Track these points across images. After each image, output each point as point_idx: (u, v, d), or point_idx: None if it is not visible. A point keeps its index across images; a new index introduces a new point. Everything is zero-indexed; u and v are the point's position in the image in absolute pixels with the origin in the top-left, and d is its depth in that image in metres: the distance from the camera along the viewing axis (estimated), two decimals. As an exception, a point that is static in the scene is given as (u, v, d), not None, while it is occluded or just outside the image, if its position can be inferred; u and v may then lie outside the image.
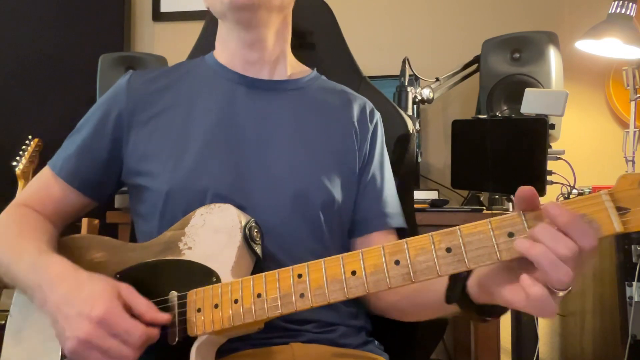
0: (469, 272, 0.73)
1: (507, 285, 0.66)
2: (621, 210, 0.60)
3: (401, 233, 1.03)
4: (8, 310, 0.95)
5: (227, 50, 1.02)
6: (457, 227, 0.66)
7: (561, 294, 0.61)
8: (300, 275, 0.73)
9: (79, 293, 0.77)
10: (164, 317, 0.78)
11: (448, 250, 0.66)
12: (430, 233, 0.67)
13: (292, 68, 1.05)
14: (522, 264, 0.63)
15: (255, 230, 0.84)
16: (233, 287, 0.77)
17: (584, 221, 0.61)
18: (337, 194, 0.96)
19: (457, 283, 0.75)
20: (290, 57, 1.06)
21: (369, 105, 1.07)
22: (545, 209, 0.62)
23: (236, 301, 0.76)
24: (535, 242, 0.61)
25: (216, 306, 0.77)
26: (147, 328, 0.76)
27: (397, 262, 0.68)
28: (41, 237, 0.90)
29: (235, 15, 0.95)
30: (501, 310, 0.74)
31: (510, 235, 0.64)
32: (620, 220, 0.60)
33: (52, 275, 0.81)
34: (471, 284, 0.73)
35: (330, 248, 0.95)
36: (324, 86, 1.07)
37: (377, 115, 1.07)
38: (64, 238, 0.97)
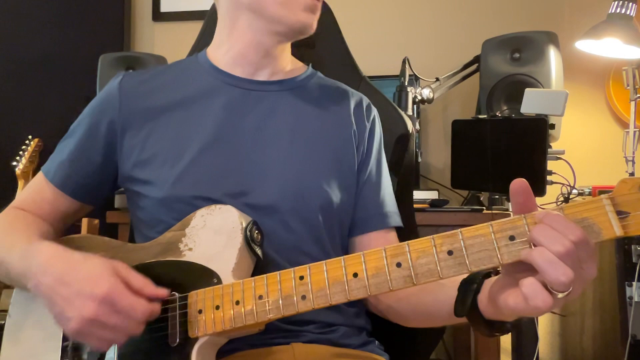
0: (479, 286, 0.72)
1: (511, 293, 0.65)
2: (621, 214, 0.61)
3: (399, 233, 1.03)
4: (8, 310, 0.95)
5: (231, 50, 1.00)
6: (459, 229, 0.66)
7: (560, 295, 0.61)
8: (302, 277, 0.73)
9: (75, 273, 0.77)
10: (162, 292, 0.79)
11: (449, 252, 0.66)
12: (431, 236, 0.67)
13: (289, 66, 1.04)
14: (527, 273, 0.63)
15: (256, 231, 0.84)
16: (234, 289, 0.77)
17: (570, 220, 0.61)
18: (336, 195, 0.96)
19: (467, 296, 0.73)
20: (289, 56, 1.05)
21: (366, 101, 1.06)
22: (539, 216, 0.63)
23: (237, 302, 0.76)
24: (532, 249, 0.62)
25: (217, 307, 0.77)
26: (150, 303, 0.76)
27: (398, 265, 0.68)
28: (33, 231, 0.91)
29: (304, 34, 0.97)
30: (510, 327, 0.73)
31: (512, 238, 0.64)
32: (620, 225, 0.61)
33: (43, 258, 0.80)
34: (482, 297, 0.72)
35: (330, 250, 0.95)
36: (321, 84, 1.06)
37: (374, 112, 1.06)
38: (63, 238, 0.97)
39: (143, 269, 0.85)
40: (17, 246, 0.86)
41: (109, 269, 0.76)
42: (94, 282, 0.75)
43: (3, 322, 0.94)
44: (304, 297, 0.72)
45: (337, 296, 0.71)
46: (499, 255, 0.64)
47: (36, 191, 1.01)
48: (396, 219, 1.02)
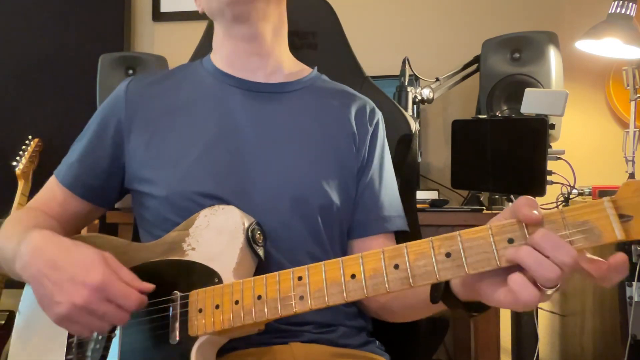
0: None
1: (498, 288, 0.65)
2: (623, 217, 0.59)
3: (403, 235, 1.02)
4: (8, 310, 0.95)
5: (224, 51, 1.02)
6: (458, 232, 0.65)
7: (549, 292, 0.60)
8: (300, 278, 0.73)
9: (67, 258, 0.78)
10: (148, 286, 0.80)
11: (447, 255, 0.65)
12: (430, 238, 0.67)
13: (290, 68, 1.04)
14: (514, 268, 0.63)
15: (258, 232, 0.85)
16: (234, 288, 0.77)
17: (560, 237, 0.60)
18: (336, 197, 0.96)
19: (440, 282, 0.72)
20: (289, 57, 1.05)
21: (370, 105, 1.06)
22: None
23: (237, 302, 0.76)
24: (520, 246, 0.61)
25: (217, 307, 0.77)
26: (140, 293, 0.78)
27: (396, 266, 0.68)
28: (37, 222, 0.91)
29: (234, 10, 0.95)
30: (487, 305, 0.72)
31: (510, 241, 0.63)
32: (622, 228, 0.59)
33: (34, 242, 0.81)
34: (454, 282, 0.72)
35: (330, 251, 0.95)
36: (323, 86, 1.06)
37: (379, 116, 1.06)
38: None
39: (147, 268, 0.87)
40: (16, 235, 0.87)
41: (101, 257, 0.78)
42: (87, 269, 0.76)
43: (3, 322, 0.94)
44: (301, 298, 0.72)
45: (334, 297, 0.70)
46: (497, 258, 0.63)
47: (48, 194, 1.02)
48: (397, 223, 1.02)
